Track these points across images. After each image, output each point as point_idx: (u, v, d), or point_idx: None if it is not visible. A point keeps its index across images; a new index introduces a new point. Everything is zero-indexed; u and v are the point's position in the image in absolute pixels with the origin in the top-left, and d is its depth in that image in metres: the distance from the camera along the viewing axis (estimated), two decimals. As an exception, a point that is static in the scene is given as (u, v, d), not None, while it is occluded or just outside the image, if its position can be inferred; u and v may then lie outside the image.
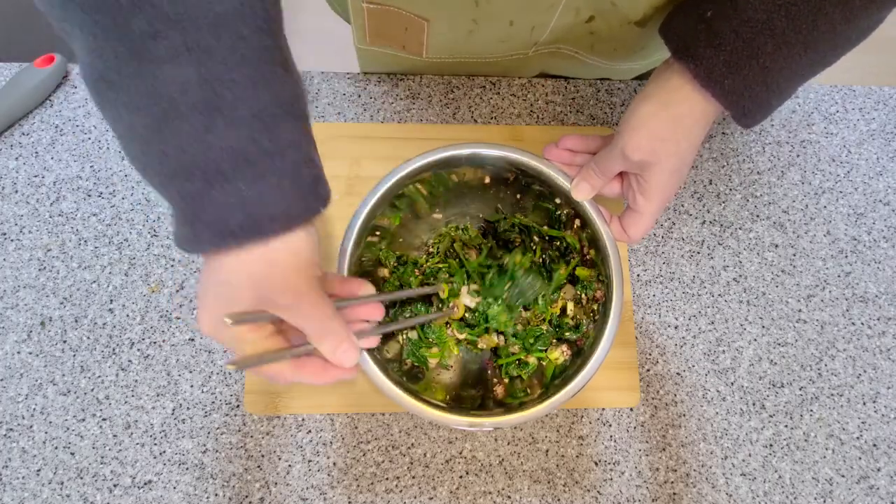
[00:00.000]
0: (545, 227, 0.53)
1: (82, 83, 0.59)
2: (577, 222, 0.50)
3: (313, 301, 0.34)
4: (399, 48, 0.56)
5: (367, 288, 0.41)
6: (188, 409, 0.52)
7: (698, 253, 0.60)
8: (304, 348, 0.35)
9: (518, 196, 0.54)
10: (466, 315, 0.53)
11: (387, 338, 0.52)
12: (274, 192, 0.31)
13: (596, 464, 0.53)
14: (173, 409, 0.52)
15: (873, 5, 0.37)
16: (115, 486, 0.50)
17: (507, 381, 0.52)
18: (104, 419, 0.52)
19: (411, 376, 0.50)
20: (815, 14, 0.37)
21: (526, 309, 0.54)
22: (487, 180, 0.53)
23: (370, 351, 0.44)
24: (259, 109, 0.30)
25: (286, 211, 0.32)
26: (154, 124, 0.29)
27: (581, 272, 0.51)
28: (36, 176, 0.57)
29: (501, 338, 0.54)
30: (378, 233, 0.51)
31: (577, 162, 0.50)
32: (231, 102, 0.29)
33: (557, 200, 0.51)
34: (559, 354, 0.51)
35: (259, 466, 0.51)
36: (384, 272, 0.53)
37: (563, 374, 0.48)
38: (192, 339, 0.54)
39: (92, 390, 0.52)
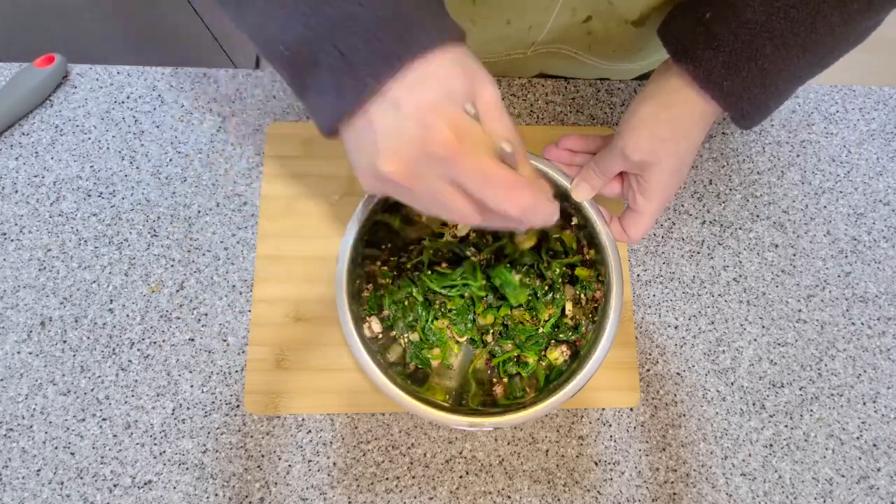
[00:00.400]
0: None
1: (82, 83, 0.59)
2: (575, 221, 0.50)
3: (504, 107, 0.32)
4: None
5: None
6: (188, 409, 0.52)
7: (698, 253, 0.60)
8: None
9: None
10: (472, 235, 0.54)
11: (389, 342, 0.52)
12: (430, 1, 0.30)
13: (596, 464, 0.53)
14: (173, 409, 0.52)
15: (871, 8, 0.37)
16: (115, 486, 0.50)
17: (506, 380, 0.52)
18: (104, 419, 0.52)
19: (416, 380, 0.50)
20: (813, 16, 0.37)
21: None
22: None
23: (371, 353, 0.45)
24: None
25: (445, 22, 0.30)
26: None
27: (580, 272, 0.51)
28: (36, 176, 0.57)
29: (491, 336, 0.54)
30: (379, 233, 0.51)
31: (576, 162, 0.50)
32: None
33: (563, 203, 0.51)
34: (558, 355, 0.51)
35: (259, 466, 0.51)
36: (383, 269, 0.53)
37: (562, 375, 0.48)
38: (192, 339, 0.54)
39: (92, 390, 0.52)
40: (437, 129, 0.28)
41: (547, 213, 0.32)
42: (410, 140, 0.28)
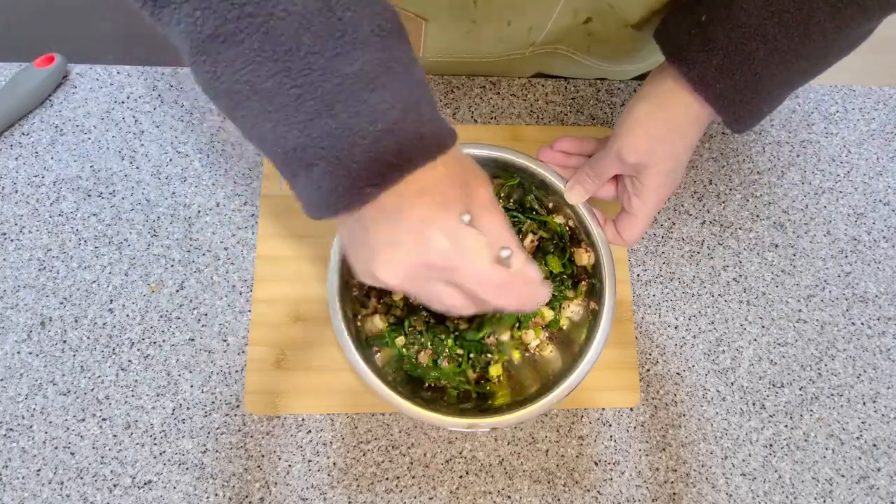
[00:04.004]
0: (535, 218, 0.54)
1: (82, 83, 0.59)
2: (572, 223, 0.51)
3: (497, 204, 0.33)
4: None
5: None
6: (188, 409, 0.52)
7: (698, 253, 0.60)
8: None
9: (512, 199, 0.54)
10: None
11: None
12: (425, 106, 0.30)
13: (596, 464, 0.53)
14: (173, 409, 0.52)
15: (864, 16, 0.37)
16: (115, 486, 0.50)
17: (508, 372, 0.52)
18: (104, 419, 0.52)
19: (411, 381, 0.51)
20: (806, 22, 0.37)
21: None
22: None
23: (366, 357, 0.45)
24: (376, 26, 0.28)
25: (440, 128, 0.31)
26: (282, 67, 0.27)
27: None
28: (36, 176, 0.57)
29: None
30: None
31: (571, 164, 0.50)
32: (355, 22, 0.27)
33: (551, 204, 0.51)
34: (574, 307, 0.52)
35: (259, 466, 0.52)
36: None
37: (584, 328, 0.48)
38: (193, 339, 0.54)
39: (92, 390, 0.52)
40: (435, 242, 0.29)
41: (539, 299, 0.34)
42: (409, 252, 0.30)
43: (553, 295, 0.52)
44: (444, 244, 0.29)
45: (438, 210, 0.30)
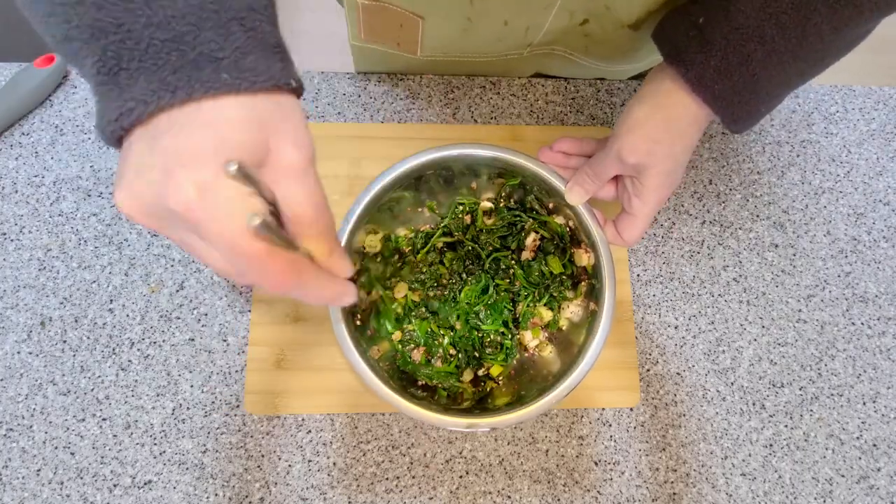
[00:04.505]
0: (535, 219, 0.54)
1: (82, 83, 0.59)
2: (572, 224, 0.51)
3: (316, 176, 0.27)
4: (393, 45, 0.56)
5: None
6: (188, 409, 0.52)
7: (698, 253, 0.60)
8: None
9: (513, 199, 0.54)
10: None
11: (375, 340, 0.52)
12: (237, 33, 0.25)
13: (596, 464, 0.53)
14: (173, 409, 0.52)
15: (861, 17, 0.38)
16: (115, 486, 0.50)
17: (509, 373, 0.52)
18: (104, 419, 0.52)
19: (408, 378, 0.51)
20: (804, 23, 0.37)
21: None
22: (474, 185, 0.53)
23: (364, 356, 0.44)
24: None
25: (256, 63, 0.26)
26: None
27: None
28: (36, 176, 0.57)
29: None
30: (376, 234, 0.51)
31: (571, 164, 0.50)
32: None
33: (551, 205, 0.51)
34: (573, 308, 0.52)
35: (259, 466, 0.52)
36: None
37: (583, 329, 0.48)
38: (193, 339, 0.54)
39: (92, 390, 0.52)
40: (177, 183, 0.24)
41: (324, 294, 0.28)
42: (150, 187, 0.25)
43: (552, 296, 0.52)
44: (190, 193, 0.24)
45: (203, 149, 0.24)
